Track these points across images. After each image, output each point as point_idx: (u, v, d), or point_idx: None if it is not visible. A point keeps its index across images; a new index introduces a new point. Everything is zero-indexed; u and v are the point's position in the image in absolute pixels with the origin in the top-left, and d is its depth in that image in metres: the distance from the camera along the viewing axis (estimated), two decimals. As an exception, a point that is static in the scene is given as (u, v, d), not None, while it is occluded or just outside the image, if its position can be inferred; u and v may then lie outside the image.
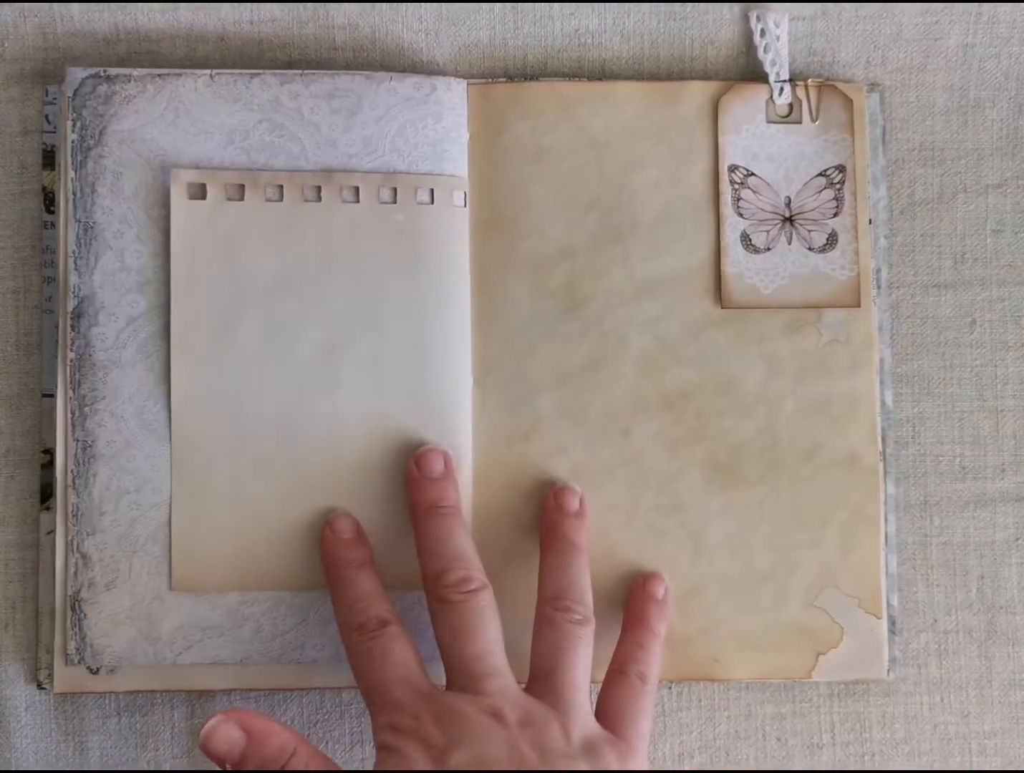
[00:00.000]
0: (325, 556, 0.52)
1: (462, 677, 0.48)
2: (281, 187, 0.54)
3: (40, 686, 0.54)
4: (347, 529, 0.53)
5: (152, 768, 0.55)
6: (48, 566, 0.54)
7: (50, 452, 0.54)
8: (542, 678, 0.49)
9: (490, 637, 0.49)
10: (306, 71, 0.54)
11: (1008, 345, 0.57)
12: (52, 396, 0.54)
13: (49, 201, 0.55)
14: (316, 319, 0.53)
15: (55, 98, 0.55)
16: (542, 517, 0.54)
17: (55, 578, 0.53)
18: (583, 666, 0.50)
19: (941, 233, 0.57)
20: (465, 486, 0.54)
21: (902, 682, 0.55)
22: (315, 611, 0.53)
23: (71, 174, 0.53)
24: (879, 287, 0.56)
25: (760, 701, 0.56)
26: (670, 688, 0.55)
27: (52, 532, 0.54)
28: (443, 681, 0.49)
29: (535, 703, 0.48)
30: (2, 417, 0.55)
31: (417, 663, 0.49)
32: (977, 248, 0.57)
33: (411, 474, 0.53)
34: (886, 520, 0.55)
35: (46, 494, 0.54)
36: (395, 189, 0.54)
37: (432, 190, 0.54)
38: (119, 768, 0.54)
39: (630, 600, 0.54)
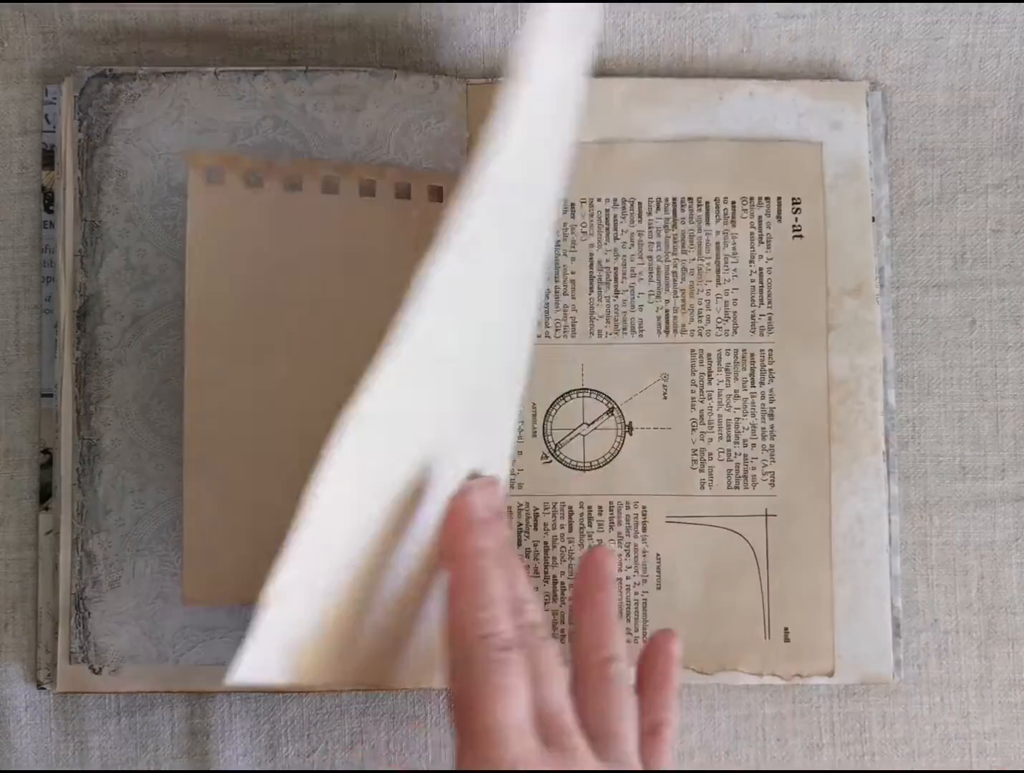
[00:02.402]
0: (449, 535, 0.46)
1: (552, 727, 0.44)
2: (301, 177, 0.53)
3: (40, 686, 0.54)
4: (483, 507, 0.46)
5: (152, 768, 0.55)
6: (48, 566, 0.54)
7: (50, 452, 0.54)
8: (605, 742, 0.46)
9: (565, 687, 0.46)
10: (310, 68, 0.54)
11: (1008, 345, 0.57)
12: (52, 396, 0.54)
13: (49, 201, 0.55)
14: (333, 314, 0.53)
15: (55, 98, 0.55)
16: (576, 576, 0.51)
17: (55, 578, 0.53)
18: (638, 731, 0.48)
19: (941, 233, 0.57)
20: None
21: (902, 682, 0.55)
22: None
23: (77, 173, 0.54)
24: (882, 286, 0.56)
25: (760, 701, 0.56)
26: (670, 688, 0.55)
27: (52, 532, 0.54)
28: None
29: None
30: (2, 417, 0.55)
31: (530, 712, 0.44)
32: (977, 248, 0.57)
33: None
34: (889, 521, 0.55)
35: (46, 494, 0.54)
36: (409, 185, 0.54)
37: (441, 189, 0.54)
38: (119, 768, 0.54)
39: (650, 659, 0.51)
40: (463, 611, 0.44)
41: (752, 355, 0.56)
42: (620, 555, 0.55)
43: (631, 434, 0.55)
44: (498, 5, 0.56)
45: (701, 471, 0.55)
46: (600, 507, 0.55)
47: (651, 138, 0.56)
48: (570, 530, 0.55)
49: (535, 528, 0.55)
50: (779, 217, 0.56)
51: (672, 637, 0.52)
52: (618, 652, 0.49)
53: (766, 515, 0.55)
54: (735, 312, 0.56)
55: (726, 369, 0.56)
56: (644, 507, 0.55)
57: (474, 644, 0.44)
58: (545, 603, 0.55)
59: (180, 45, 0.56)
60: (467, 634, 0.44)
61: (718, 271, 0.56)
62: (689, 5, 0.57)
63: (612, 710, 0.47)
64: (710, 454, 0.55)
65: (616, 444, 0.55)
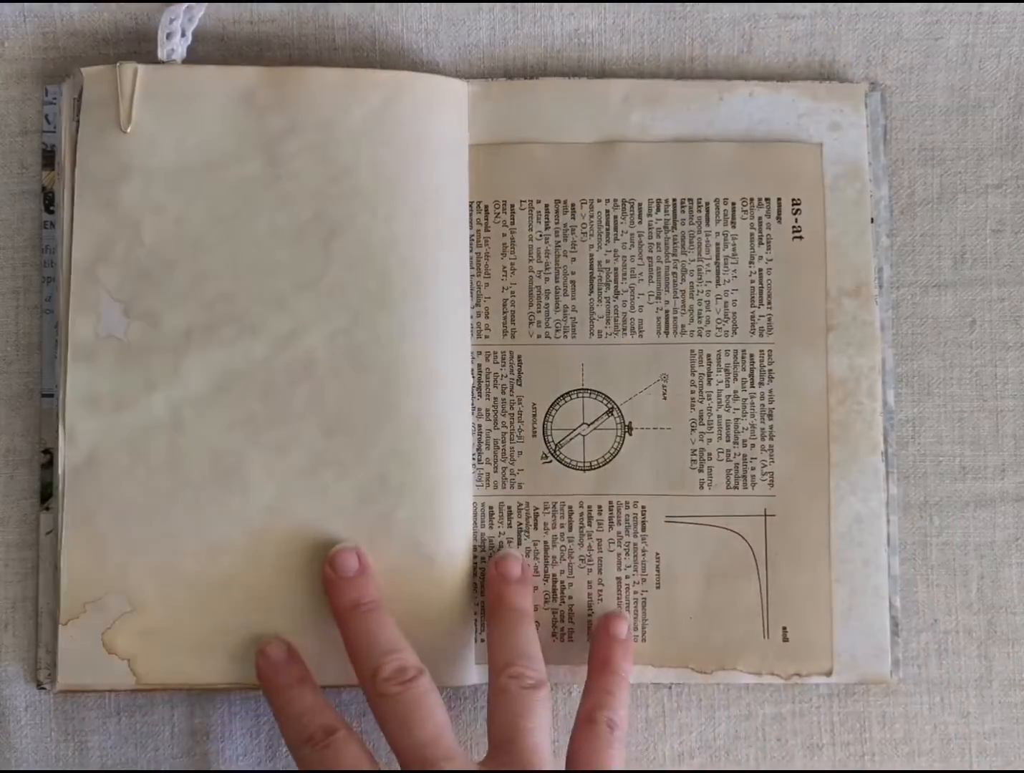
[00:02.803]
0: (263, 683, 0.52)
1: (419, 766, 0.48)
2: None
3: (40, 686, 0.54)
4: (278, 652, 0.52)
5: (152, 768, 0.55)
6: (48, 566, 0.54)
7: (50, 452, 0.54)
8: (503, 748, 0.49)
9: (437, 720, 0.49)
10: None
11: (1008, 345, 0.57)
12: (52, 396, 0.54)
13: (49, 201, 0.55)
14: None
15: (55, 98, 0.55)
16: (486, 586, 0.54)
17: (55, 578, 0.53)
18: (543, 729, 0.50)
19: (941, 233, 0.57)
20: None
21: (902, 682, 0.55)
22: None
23: (77, 173, 0.54)
24: (881, 286, 0.56)
25: (760, 701, 0.56)
26: (670, 688, 0.55)
27: (52, 532, 0.54)
28: None
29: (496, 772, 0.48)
30: (2, 417, 0.55)
31: (370, 763, 0.49)
32: (977, 248, 0.57)
33: (327, 576, 0.52)
34: (888, 521, 0.55)
35: (46, 494, 0.54)
36: None
37: None
38: (119, 768, 0.54)
39: (594, 642, 0.54)
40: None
41: (752, 356, 0.56)
42: (620, 554, 0.55)
43: (631, 434, 0.55)
44: (498, 5, 0.56)
45: (701, 471, 0.55)
46: (600, 507, 0.55)
47: (651, 138, 0.56)
48: (570, 529, 0.55)
49: (535, 528, 0.55)
50: (779, 218, 0.56)
51: (615, 618, 0.53)
52: (515, 656, 0.51)
53: (765, 515, 0.55)
54: (735, 313, 0.56)
55: (726, 369, 0.56)
56: (644, 507, 0.55)
57: (302, 749, 0.50)
58: (544, 602, 0.55)
59: (180, 45, 0.56)
60: (297, 741, 0.50)
61: (718, 272, 0.56)
62: (689, 5, 0.57)
63: (510, 715, 0.50)
64: (709, 454, 0.55)
65: (616, 444, 0.55)
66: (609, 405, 0.56)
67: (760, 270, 0.56)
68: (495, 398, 0.55)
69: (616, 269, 0.56)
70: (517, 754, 0.49)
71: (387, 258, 0.54)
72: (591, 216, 0.56)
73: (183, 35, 0.54)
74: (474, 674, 0.54)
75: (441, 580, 0.53)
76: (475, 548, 0.55)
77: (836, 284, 0.56)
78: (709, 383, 0.56)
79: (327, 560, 0.52)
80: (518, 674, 0.50)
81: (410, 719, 0.49)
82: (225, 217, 0.54)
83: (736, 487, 0.55)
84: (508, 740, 0.49)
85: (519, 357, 0.56)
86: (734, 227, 0.56)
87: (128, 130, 0.53)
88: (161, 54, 0.54)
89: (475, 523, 0.55)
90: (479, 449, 0.55)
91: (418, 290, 0.54)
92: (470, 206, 0.55)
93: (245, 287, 0.53)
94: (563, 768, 0.50)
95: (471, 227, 0.55)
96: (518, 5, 0.56)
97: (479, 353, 0.55)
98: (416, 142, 0.54)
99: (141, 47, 0.56)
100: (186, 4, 0.54)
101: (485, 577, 0.54)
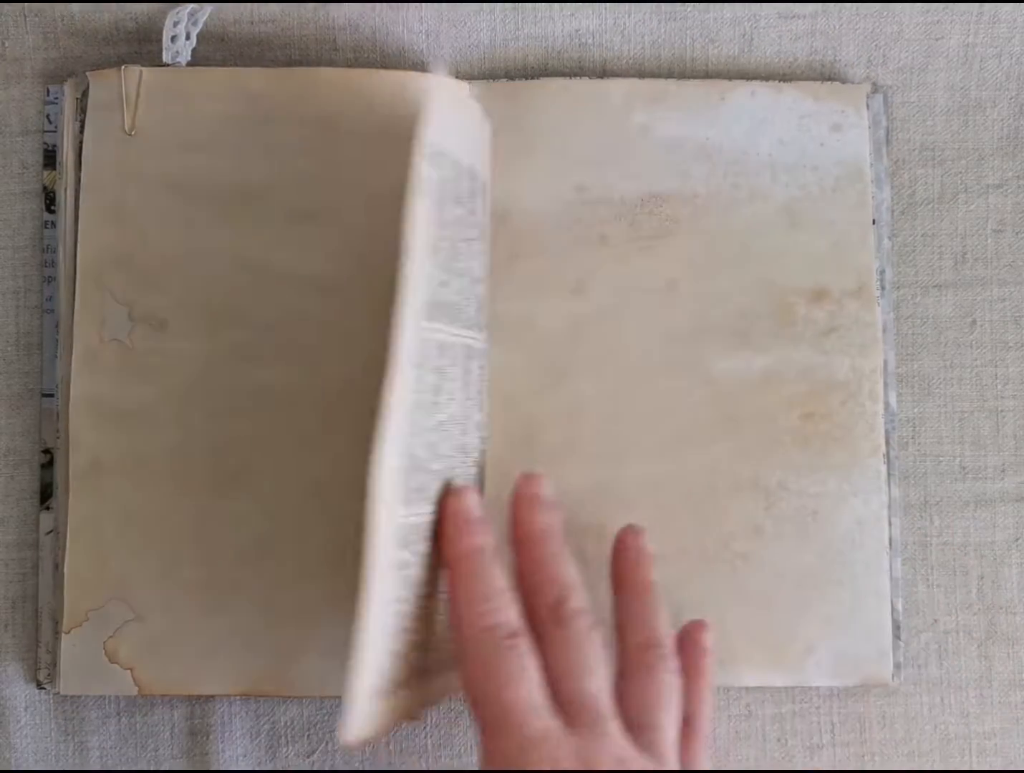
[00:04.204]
0: (449, 536, 0.47)
1: (584, 713, 0.45)
2: None
3: (40, 686, 0.54)
4: (477, 506, 0.48)
5: (152, 768, 0.55)
6: (48, 566, 0.54)
7: (50, 452, 0.54)
8: (643, 732, 0.46)
9: (605, 674, 0.46)
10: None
11: (1008, 345, 0.57)
12: (52, 396, 0.54)
13: (50, 201, 0.55)
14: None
15: (56, 98, 0.55)
16: (612, 559, 0.51)
17: (55, 578, 0.53)
18: (679, 722, 0.48)
19: (942, 233, 0.57)
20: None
21: (902, 682, 0.55)
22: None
23: (78, 173, 0.54)
24: (883, 288, 0.56)
25: (760, 701, 0.56)
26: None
27: (52, 532, 0.54)
28: None
29: (646, 760, 0.45)
30: (2, 417, 0.55)
31: (547, 695, 0.45)
32: (978, 248, 0.57)
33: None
34: (890, 523, 0.55)
35: (46, 494, 0.54)
36: None
37: None
38: (119, 768, 0.55)
39: (682, 653, 0.51)
40: (465, 606, 0.46)
41: (752, 356, 0.56)
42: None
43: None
44: (498, 6, 0.56)
45: (701, 472, 0.56)
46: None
47: (652, 139, 0.56)
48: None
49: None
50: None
51: (703, 628, 0.52)
52: (658, 636, 0.49)
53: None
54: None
55: (726, 370, 0.56)
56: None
57: (480, 636, 0.45)
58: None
59: (180, 45, 0.56)
60: (473, 627, 0.45)
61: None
62: (690, 5, 0.57)
63: (651, 700, 0.47)
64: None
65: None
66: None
67: (761, 271, 0.56)
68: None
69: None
70: (657, 745, 0.46)
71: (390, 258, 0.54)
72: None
73: (187, 38, 0.54)
74: None
75: None
76: None
77: (838, 285, 0.55)
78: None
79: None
80: (662, 656, 0.48)
81: (587, 664, 0.45)
82: (230, 220, 0.53)
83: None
84: (650, 726, 0.46)
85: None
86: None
87: (133, 133, 0.53)
88: (166, 57, 0.54)
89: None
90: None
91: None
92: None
93: (250, 290, 0.53)
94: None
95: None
96: (519, 6, 0.56)
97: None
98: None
99: (142, 48, 0.56)
100: (190, 7, 0.54)
101: (613, 550, 0.51)
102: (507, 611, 0.46)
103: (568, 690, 0.45)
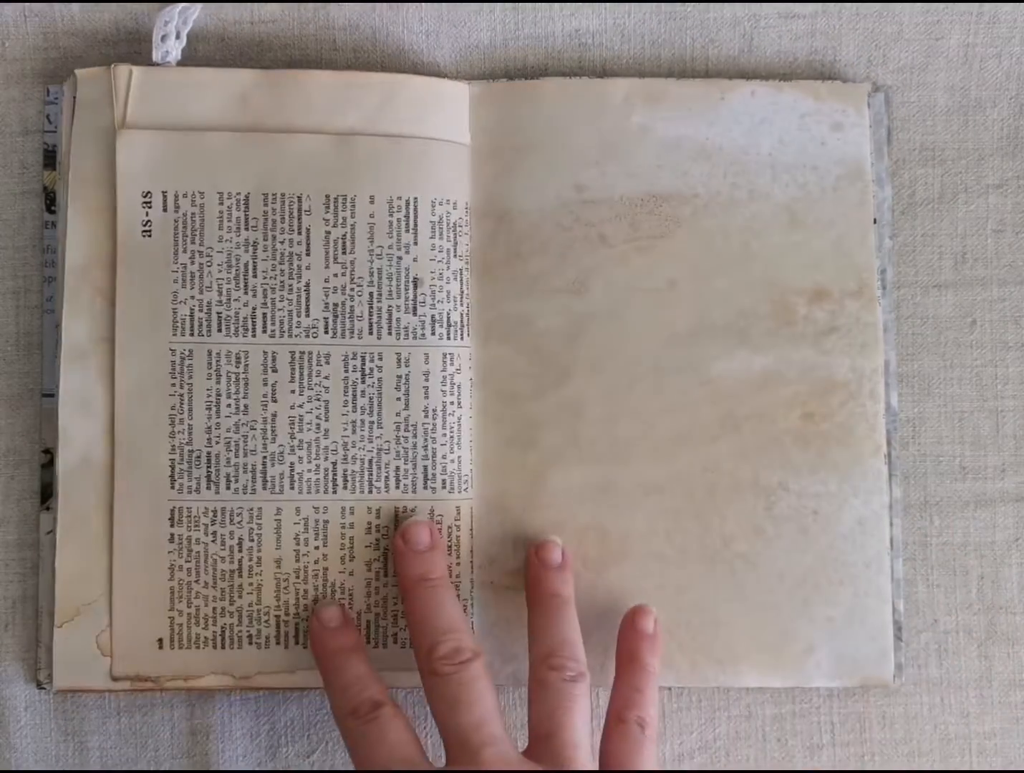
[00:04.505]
0: (314, 646, 0.52)
1: (460, 749, 0.48)
2: None
3: (40, 686, 0.54)
4: (334, 617, 0.52)
5: (152, 768, 0.55)
6: (48, 566, 0.54)
7: (50, 452, 0.54)
8: (542, 741, 0.49)
9: (487, 705, 0.48)
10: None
11: (1008, 345, 0.57)
12: (52, 396, 0.54)
13: (50, 201, 0.55)
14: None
15: (56, 98, 0.55)
16: (526, 573, 0.53)
17: (56, 578, 0.53)
18: (582, 723, 0.49)
19: (942, 233, 0.57)
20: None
21: (902, 683, 0.55)
22: None
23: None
24: (884, 288, 0.56)
25: (760, 702, 0.56)
26: (670, 690, 0.55)
27: (52, 532, 0.54)
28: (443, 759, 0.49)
29: (535, 768, 0.48)
30: (2, 417, 0.55)
31: (414, 742, 0.49)
32: (978, 248, 0.57)
33: (398, 548, 0.52)
34: (891, 524, 0.55)
35: (46, 494, 0.54)
36: None
37: None
38: (119, 768, 0.54)
39: (620, 638, 0.53)
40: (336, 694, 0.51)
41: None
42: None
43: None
44: (499, 6, 0.56)
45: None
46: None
47: (652, 139, 0.56)
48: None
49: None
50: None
51: (643, 612, 0.53)
52: (557, 644, 0.51)
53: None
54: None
55: (726, 370, 0.56)
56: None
57: (346, 722, 0.50)
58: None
59: (180, 45, 0.56)
60: (342, 711, 0.50)
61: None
62: (690, 5, 0.57)
63: (550, 707, 0.49)
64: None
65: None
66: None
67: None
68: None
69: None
70: (555, 748, 0.48)
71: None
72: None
73: (177, 37, 0.54)
74: None
75: None
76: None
77: (838, 285, 0.55)
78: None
79: (399, 532, 0.52)
80: (559, 665, 0.50)
81: (459, 701, 0.48)
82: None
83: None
84: (548, 734, 0.49)
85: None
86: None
87: (122, 132, 0.53)
88: (156, 56, 0.54)
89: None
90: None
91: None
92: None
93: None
94: (598, 768, 0.50)
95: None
96: (519, 6, 0.56)
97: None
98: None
99: (143, 47, 0.55)
100: (180, 6, 0.54)
101: (526, 563, 0.54)
102: (368, 690, 0.50)
103: (448, 730, 0.48)
